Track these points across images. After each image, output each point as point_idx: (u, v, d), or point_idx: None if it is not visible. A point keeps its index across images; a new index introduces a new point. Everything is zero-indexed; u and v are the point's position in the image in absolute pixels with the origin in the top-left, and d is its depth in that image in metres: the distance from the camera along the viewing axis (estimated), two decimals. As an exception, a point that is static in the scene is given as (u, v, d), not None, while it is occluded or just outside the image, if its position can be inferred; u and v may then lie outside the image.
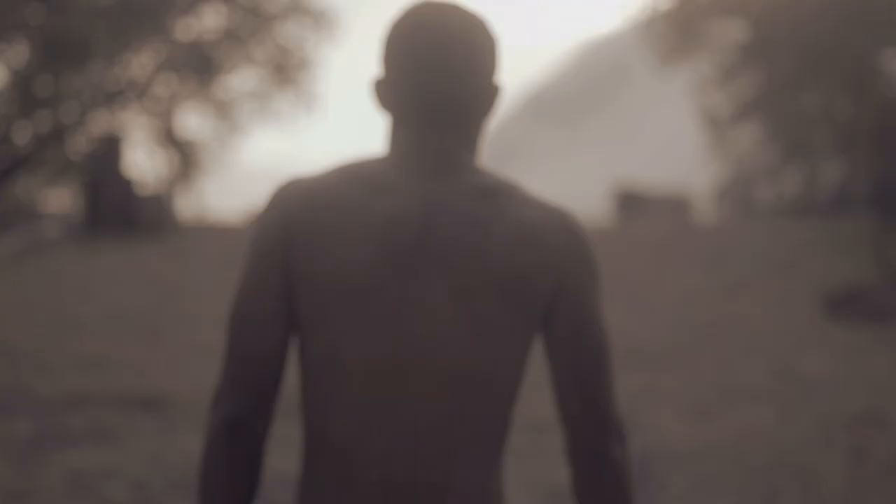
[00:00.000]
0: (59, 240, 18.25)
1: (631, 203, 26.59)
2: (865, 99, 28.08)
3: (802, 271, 15.72)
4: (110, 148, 19.10)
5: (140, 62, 30.92)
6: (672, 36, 31.98)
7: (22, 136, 29.59)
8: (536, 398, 8.68)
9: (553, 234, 1.87)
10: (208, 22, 31.46)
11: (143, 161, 30.38)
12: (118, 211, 18.59)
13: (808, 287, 14.43)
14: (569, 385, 1.86)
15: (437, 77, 1.87)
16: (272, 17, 31.43)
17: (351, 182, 1.86)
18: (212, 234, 20.16)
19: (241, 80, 32.04)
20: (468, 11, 1.91)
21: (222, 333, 11.14)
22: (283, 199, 1.87)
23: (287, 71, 31.61)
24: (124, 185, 18.88)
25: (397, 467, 1.83)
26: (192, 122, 32.20)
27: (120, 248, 17.35)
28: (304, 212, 1.84)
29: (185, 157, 31.18)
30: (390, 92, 1.91)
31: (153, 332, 11.14)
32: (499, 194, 1.87)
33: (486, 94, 1.92)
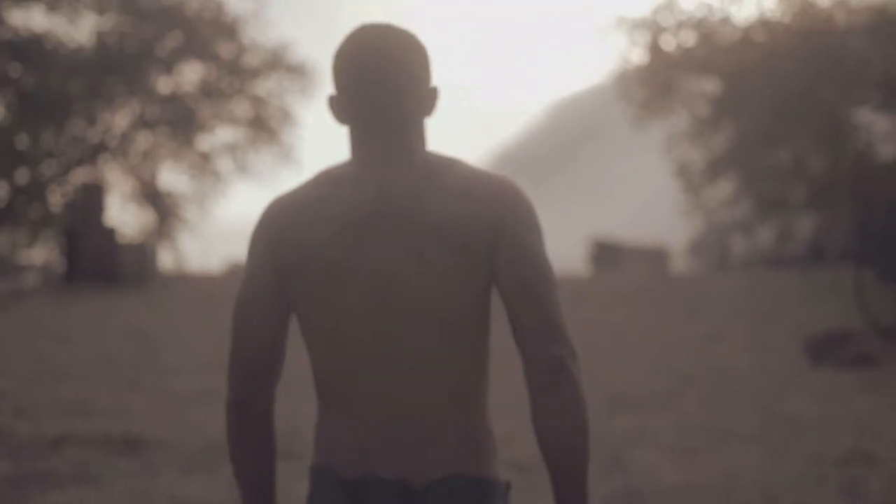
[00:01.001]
0: (39, 288, 18.09)
1: (607, 254, 26.64)
2: (839, 153, 28.30)
3: (782, 319, 15.74)
4: (91, 196, 18.98)
5: (120, 118, 30.91)
6: (645, 91, 32.24)
7: (2, 188, 29.46)
8: (520, 441, 8.61)
9: (487, 191, 2.23)
10: (188, 78, 31.50)
11: (123, 213, 30.21)
12: (99, 259, 18.43)
13: (788, 334, 14.44)
14: (521, 309, 2.15)
15: (377, 90, 2.23)
16: (252, 72, 31.47)
17: (318, 182, 2.28)
18: (192, 283, 20.04)
19: (221, 134, 32.03)
20: (401, 30, 2.25)
21: (203, 380, 11.03)
22: (267, 213, 2.31)
23: (267, 125, 31.60)
24: (105, 234, 18.74)
25: (384, 402, 2.23)
26: (173, 176, 32.04)
27: (100, 297, 17.22)
28: (282, 217, 2.26)
29: (165, 211, 31.05)
30: (342, 106, 2.27)
31: (133, 377, 11.02)
32: (444, 168, 2.25)
33: (423, 97, 2.27)
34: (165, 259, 29.06)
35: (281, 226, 2.26)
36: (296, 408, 9.61)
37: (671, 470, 7.63)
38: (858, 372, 11.78)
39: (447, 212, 2.19)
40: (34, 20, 29.61)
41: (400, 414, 2.22)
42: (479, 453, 2.23)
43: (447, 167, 2.25)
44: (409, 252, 2.19)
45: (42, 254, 29.73)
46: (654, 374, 11.79)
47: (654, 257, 26.67)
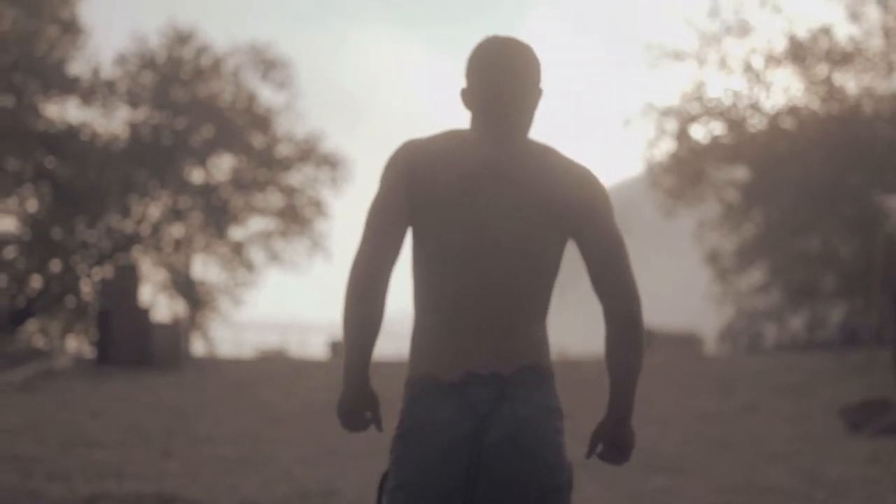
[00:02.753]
0: (71, 370, 18.13)
1: (640, 339, 26.56)
2: (869, 239, 28.17)
3: (817, 393, 15.57)
4: (125, 277, 19.07)
5: (153, 209, 31.19)
6: (674, 180, 32.27)
7: (36, 280, 29.66)
8: None
9: (580, 177, 2.99)
10: (221, 169, 31.81)
11: (155, 303, 30.36)
12: (132, 340, 18.45)
13: (823, 406, 14.28)
14: (602, 271, 2.94)
15: (502, 83, 2.95)
16: (284, 163, 31.76)
17: (448, 138, 2.97)
18: (224, 366, 20.06)
19: (253, 225, 32.22)
20: (522, 42, 2.99)
21: (236, 449, 10.99)
22: (404, 149, 2.96)
23: (299, 215, 31.77)
24: (139, 314, 18.79)
25: (482, 315, 2.89)
26: (205, 267, 32.21)
27: (132, 377, 17.24)
28: (416, 156, 2.93)
29: (197, 301, 31.15)
30: (471, 95, 2.99)
31: (165, 446, 10.99)
32: (545, 151, 3.00)
33: (534, 93, 3.01)
34: (197, 347, 29.12)
35: (415, 162, 2.92)
36: (336, 471, 9.56)
37: (711, 524, 7.51)
38: (898, 439, 11.61)
39: (548, 185, 2.91)
40: (69, 113, 30.13)
41: (492, 325, 2.88)
42: (541, 352, 2.97)
43: (547, 151, 2.99)
44: (515, 207, 2.89)
45: (74, 343, 29.85)
46: (689, 442, 11.66)
47: (686, 342, 26.54)
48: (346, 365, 2.92)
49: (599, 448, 3.10)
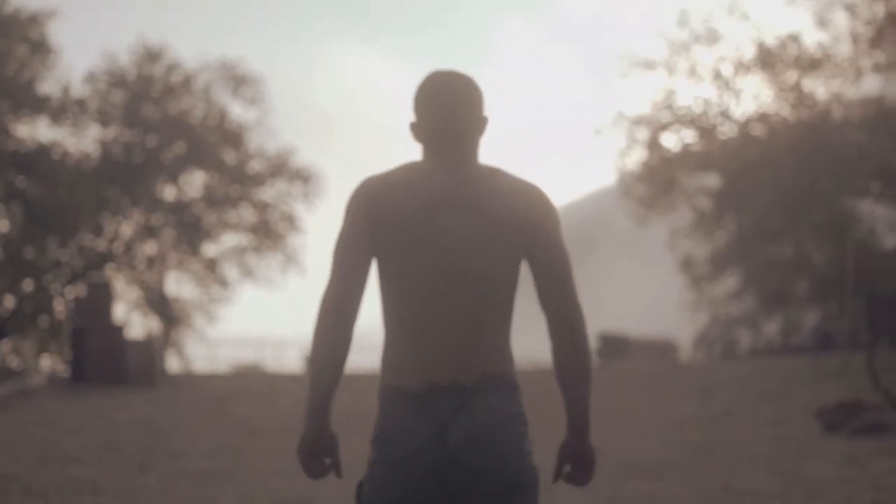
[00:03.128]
0: (45, 388, 17.99)
1: (613, 346, 26.52)
2: (841, 244, 28.30)
3: (793, 397, 15.62)
4: (98, 295, 18.95)
5: (125, 227, 31.03)
6: (646, 188, 32.35)
7: (8, 300, 29.45)
8: (540, 503, 8.48)
9: (531, 196, 3.18)
10: (193, 186, 31.69)
11: (129, 320, 30.16)
12: (106, 358, 18.33)
13: (800, 409, 14.33)
14: (549, 287, 3.14)
15: (447, 116, 3.17)
16: (256, 179, 31.68)
17: (404, 171, 3.18)
18: (199, 382, 19.95)
19: (226, 241, 32.10)
20: (463, 74, 3.22)
21: (213, 462, 10.92)
22: (364, 185, 3.17)
23: (272, 230, 31.68)
24: (113, 331, 18.67)
25: (442, 332, 3.09)
26: (179, 284, 32.05)
27: (107, 394, 17.13)
28: (376, 190, 3.14)
29: (171, 318, 30.99)
30: (420, 128, 3.21)
31: (142, 462, 10.92)
32: (493, 173, 3.20)
33: (478, 122, 3.23)
34: (172, 364, 28.95)
35: (375, 195, 3.12)
36: (312, 483, 9.52)
37: (691, 526, 7.51)
38: (872, 439, 11.66)
39: (499, 206, 3.12)
40: (39, 132, 29.97)
41: (453, 340, 3.09)
42: (503, 363, 3.14)
43: (495, 173, 3.20)
44: (472, 229, 3.10)
45: (49, 363, 29.64)
46: (667, 447, 11.66)
47: (662, 349, 26.57)
48: (308, 401, 3.11)
49: (567, 469, 3.27)
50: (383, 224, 3.10)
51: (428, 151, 3.19)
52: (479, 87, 3.26)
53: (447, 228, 3.10)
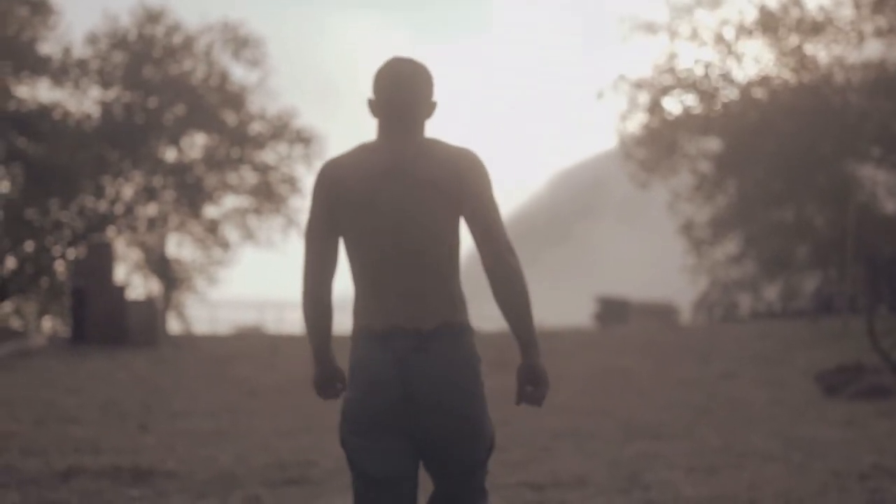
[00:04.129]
0: (46, 348, 18.00)
1: (614, 310, 26.51)
2: (842, 208, 28.23)
3: (793, 360, 15.64)
4: (99, 255, 18.91)
5: (126, 189, 30.95)
6: (647, 152, 32.24)
7: (10, 261, 29.45)
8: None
9: (461, 158, 3.71)
10: (195, 148, 31.59)
11: (130, 282, 30.15)
12: (107, 318, 18.32)
13: (800, 372, 14.34)
14: (479, 231, 3.65)
15: (396, 97, 3.74)
16: (257, 141, 31.58)
17: (358, 150, 3.78)
18: (200, 342, 19.97)
19: (227, 203, 32.05)
20: (418, 62, 3.78)
21: (213, 422, 10.94)
22: (325, 167, 3.79)
23: (273, 192, 31.60)
24: (114, 292, 18.64)
25: (398, 281, 3.68)
26: (180, 246, 32.04)
27: (108, 355, 17.15)
28: (333, 170, 3.77)
29: (172, 280, 30.98)
30: (375, 106, 3.78)
31: (142, 420, 10.94)
32: (432, 143, 3.74)
33: (425, 104, 3.77)
34: (173, 326, 28.96)
35: (333, 175, 3.74)
36: (313, 443, 9.53)
37: (691, 486, 7.51)
38: (872, 402, 11.67)
39: (433, 169, 3.68)
40: (40, 93, 29.86)
41: (410, 289, 3.68)
42: (457, 309, 3.72)
43: (434, 143, 3.75)
44: (412, 193, 3.67)
45: (50, 324, 29.66)
46: (667, 409, 11.68)
47: (662, 313, 26.57)
48: (312, 352, 3.85)
49: (528, 389, 3.68)
50: (339, 199, 3.69)
51: (379, 126, 3.76)
52: (431, 74, 3.79)
53: (391, 194, 3.65)
